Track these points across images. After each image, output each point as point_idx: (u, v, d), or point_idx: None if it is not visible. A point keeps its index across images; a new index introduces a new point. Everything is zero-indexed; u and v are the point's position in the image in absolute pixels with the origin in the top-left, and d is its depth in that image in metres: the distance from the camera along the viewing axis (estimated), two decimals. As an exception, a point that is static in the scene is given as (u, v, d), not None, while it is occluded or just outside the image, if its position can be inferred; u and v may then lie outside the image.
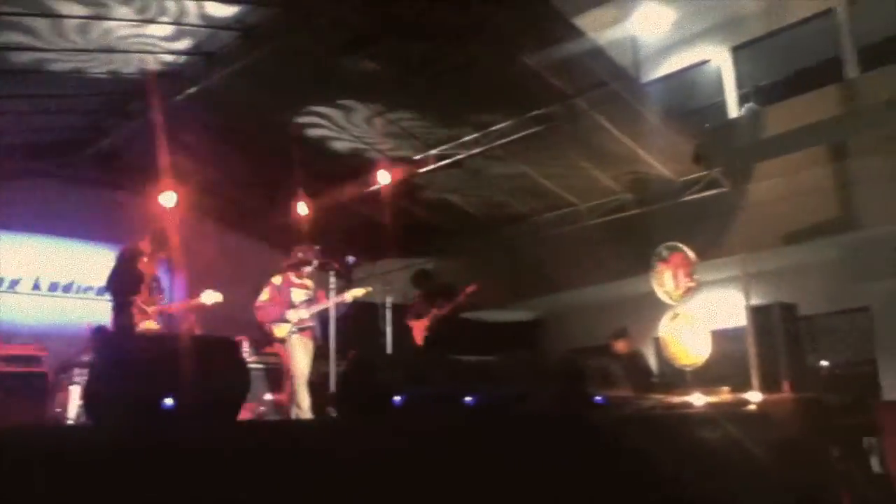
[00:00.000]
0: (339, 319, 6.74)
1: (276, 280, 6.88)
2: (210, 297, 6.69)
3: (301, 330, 6.71)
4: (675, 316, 8.81)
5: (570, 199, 9.63)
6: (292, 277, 6.89)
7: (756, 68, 10.69)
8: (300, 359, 6.59)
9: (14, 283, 9.20)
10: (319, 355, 6.73)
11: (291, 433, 4.05)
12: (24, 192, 9.13)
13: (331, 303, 6.75)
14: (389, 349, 7.00)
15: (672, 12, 11.13)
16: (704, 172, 8.86)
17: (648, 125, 8.27)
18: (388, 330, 6.80)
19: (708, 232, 9.07)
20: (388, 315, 6.86)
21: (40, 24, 6.24)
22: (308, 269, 6.85)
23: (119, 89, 8.05)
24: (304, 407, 6.40)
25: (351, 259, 6.99)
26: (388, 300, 6.92)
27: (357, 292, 6.94)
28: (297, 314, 6.72)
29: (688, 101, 11.36)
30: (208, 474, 3.14)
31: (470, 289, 8.34)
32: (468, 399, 5.44)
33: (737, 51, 10.82)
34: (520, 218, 10.17)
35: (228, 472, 3.19)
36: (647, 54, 11.74)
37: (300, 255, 6.92)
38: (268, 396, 7.42)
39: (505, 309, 11.55)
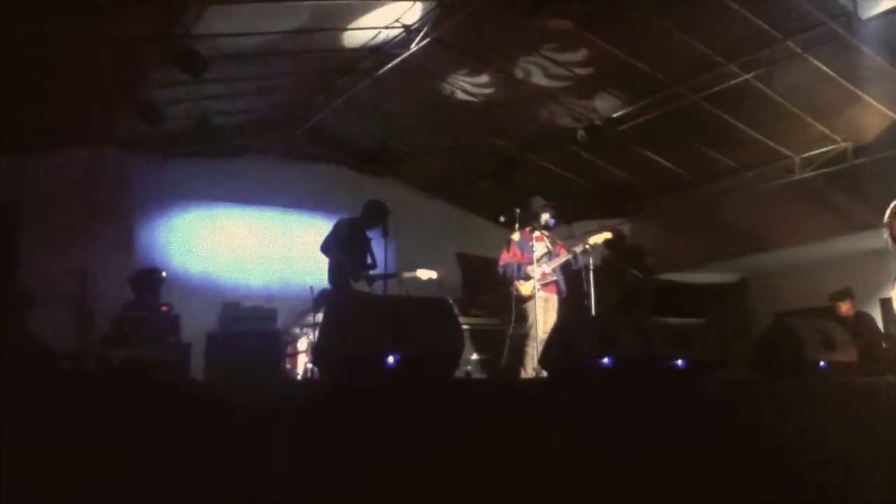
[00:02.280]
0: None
1: (516, 236, 6.86)
2: (425, 273, 6.99)
3: (545, 285, 6.68)
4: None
5: (781, 150, 8.97)
6: (531, 232, 6.87)
7: None
8: (541, 316, 6.50)
9: (242, 249, 10.00)
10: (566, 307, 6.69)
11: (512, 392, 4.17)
12: (246, 168, 9.99)
13: (569, 253, 6.74)
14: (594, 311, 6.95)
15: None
16: (939, 115, 7.92)
17: (871, 66, 7.52)
18: (592, 292, 6.74)
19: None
20: (591, 277, 6.80)
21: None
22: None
23: (326, 67, 8.55)
24: (529, 367, 6.33)
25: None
26: (591, 261, 6.85)
27: (598, 238, 6.86)
28: (539, 269, 6.70)
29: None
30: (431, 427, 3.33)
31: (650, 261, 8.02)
32: (679, 362, 5.33)
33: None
34: (724, 173, 9.60)
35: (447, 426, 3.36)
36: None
37: (539, 207, 6.88)
38: (474, 356, 7.66)
39: (706, 270, 11.06)
